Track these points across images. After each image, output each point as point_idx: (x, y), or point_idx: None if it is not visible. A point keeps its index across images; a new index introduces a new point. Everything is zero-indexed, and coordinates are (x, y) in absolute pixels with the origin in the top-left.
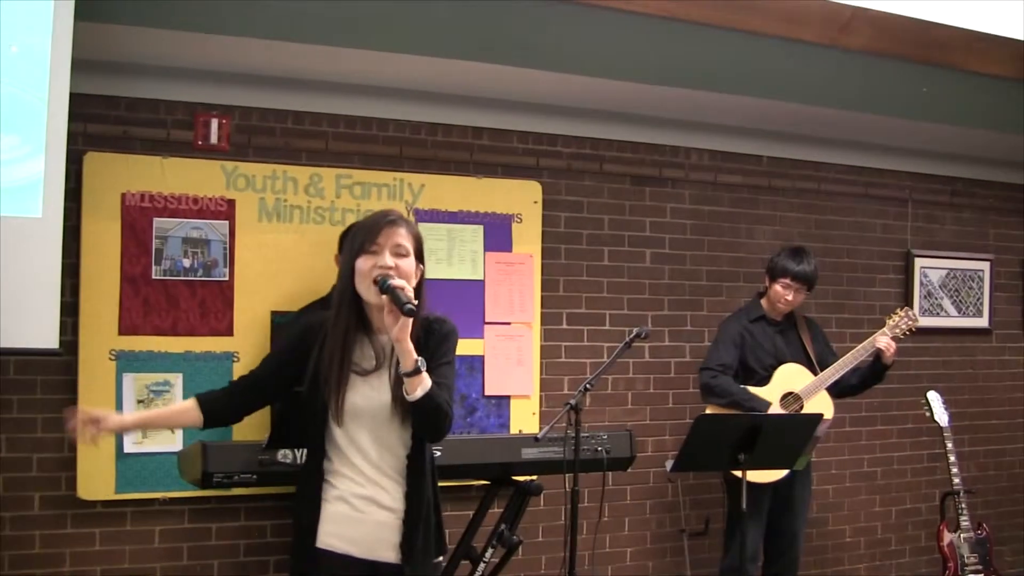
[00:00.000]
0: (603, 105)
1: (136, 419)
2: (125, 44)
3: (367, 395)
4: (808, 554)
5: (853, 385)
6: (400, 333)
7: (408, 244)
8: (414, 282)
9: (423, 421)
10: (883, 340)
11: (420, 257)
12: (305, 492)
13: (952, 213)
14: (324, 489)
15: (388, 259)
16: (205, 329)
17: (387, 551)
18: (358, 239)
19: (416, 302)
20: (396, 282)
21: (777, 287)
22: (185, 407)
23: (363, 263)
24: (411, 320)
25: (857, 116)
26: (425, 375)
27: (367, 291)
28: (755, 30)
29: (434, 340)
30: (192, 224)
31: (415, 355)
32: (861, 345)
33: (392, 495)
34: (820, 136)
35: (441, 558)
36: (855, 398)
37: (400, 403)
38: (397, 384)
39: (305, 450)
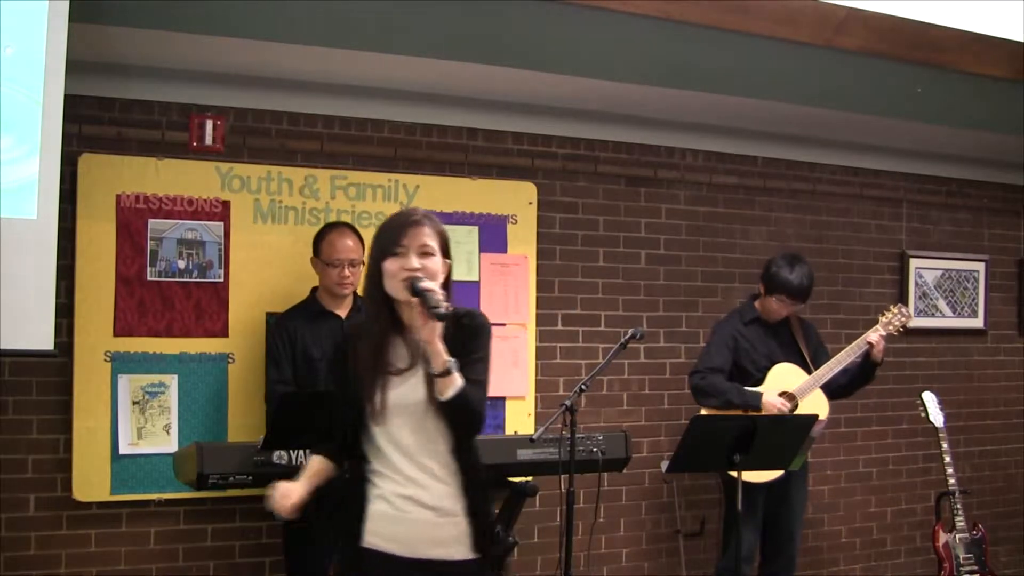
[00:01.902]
0: (598, 106)
1: (307, 489)
2: (120, 45)
3: (404, 393)
4: (804, 555)
5: (843, 385)
6: (429, 335)
7: (434, 243)
8: (441, 279)
9: (455, 421)
10: (874, 335)
11: (446, 253)
12: (350, 493)
13: (947, 214)
14: (367, 490)
15: (415, 261)
16: (200, 330)
17: (430, 548)
18: (384, 241)
19: (447, 305)
20: (426, 284)
21: (772, 301)
22: (323, 466)
23: (391, 265)
24: (438, 322)
25: (852, 117)
26: (456, 375)
27: (397, 291)
28: (749, 31)
29: (465, 335)
30: (187, 225)
31: (445, 356)
32: (855, 343)
33: (432, 493)
34: (815, 137)
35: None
36: (849, 399)
37: (437, 400)
38: (432, 381)
39: (301, 451)
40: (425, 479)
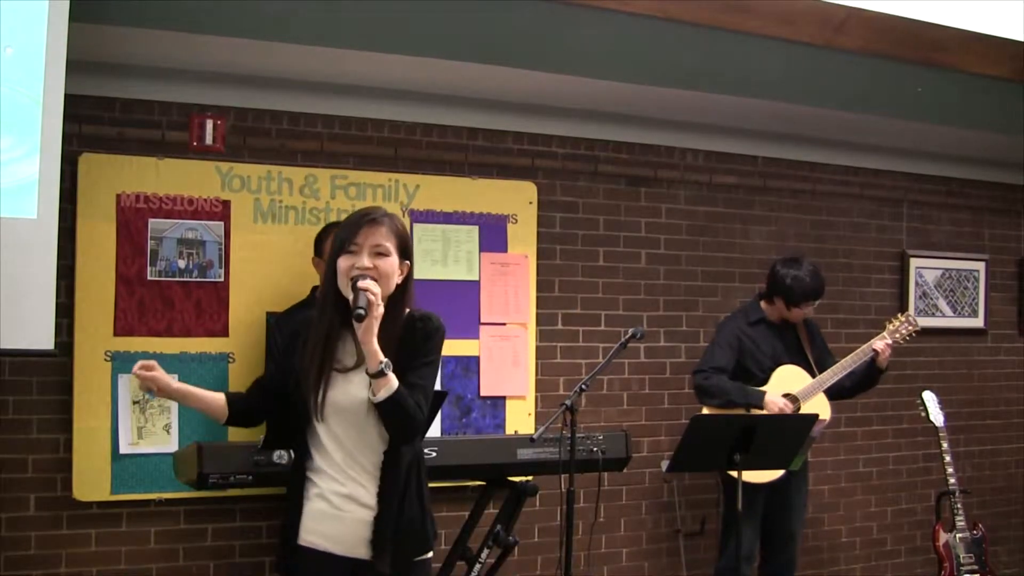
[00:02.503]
0: (598, 106)
1: (178, 387)
2: (120, 45)
3: (346, 392)
4: (804, 554)
5: (847, 388)
6: (364, 335)
7: (389, 243)
8: (396, 280)
9: (388, 423)
10: (880, 343)
11: (405, 254)
12: (290, 490)
13: (947, 213)
14: (306, 487)
15: (366, 260)
16: (200, 330)
17: (366, 548)
18: (339, 238)
19: (363, 308)
20: (363, 283)
21: (800, 311)
22: (216, 396)
23: (343, 263)
24: (374, 321)
25: (852, 116)
26: (391, 377)
27: (346, 290)
28: (750, 30)
29: (416, 338)
30: (187, 225)
31: (380, 356)
32: (860, 348)
33: (371, 492)
34: (815, 136)
35: (428, 555)
36: (850, 399)
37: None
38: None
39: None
40: (362, 476)
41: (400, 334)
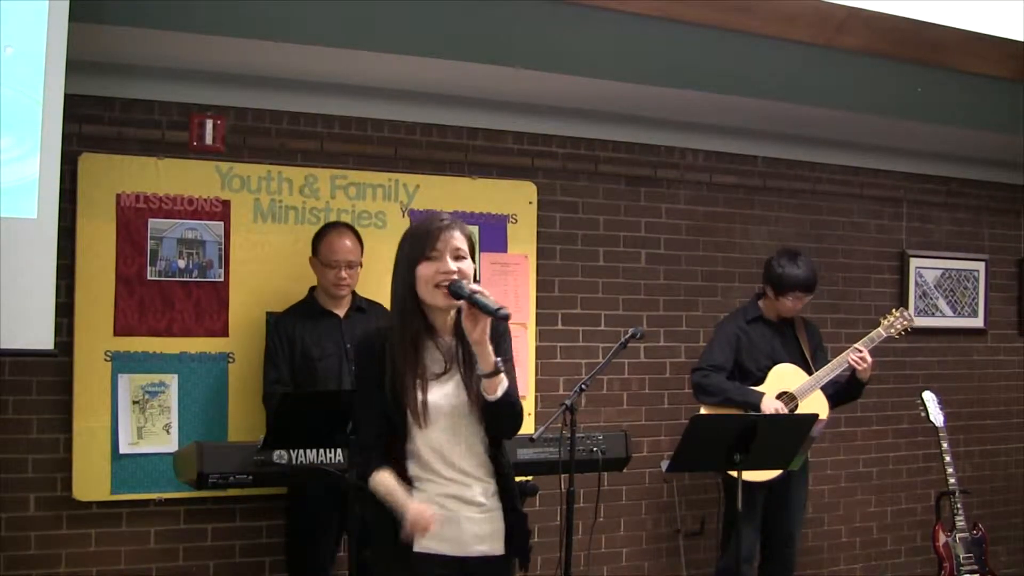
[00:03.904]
0: (598, 105)
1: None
2: (120, 45)
3: (443, 397)
4: (804, 554)
5: (830, 395)
6: (481, 336)
7: (464, 246)
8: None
9: (501, 420)
10: (853, 356)
11: (473, 256)
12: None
13: (947, 213)
14: (412, 494)
15: (451, 264)
16: (200, 330)
17: (479, 545)
18: (416, 245)
19: (502, 307)
20: (474, 287)
21: (787, 301)
22: (388, 475)
23: (425, 269)
24: (488, 322)
25: (852, 116)
26: (503, 375)
27: (432, 296)
28: (750, 30)
29: (497, 338)
30: (187, 225)
31: (494, 356)
32: (844, 354)
33: (475, 491)
34: (815, 136)
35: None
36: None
37: (476, 403)
38: (471, 384)
39: (301, 451)
40: (464, 478)
41: None
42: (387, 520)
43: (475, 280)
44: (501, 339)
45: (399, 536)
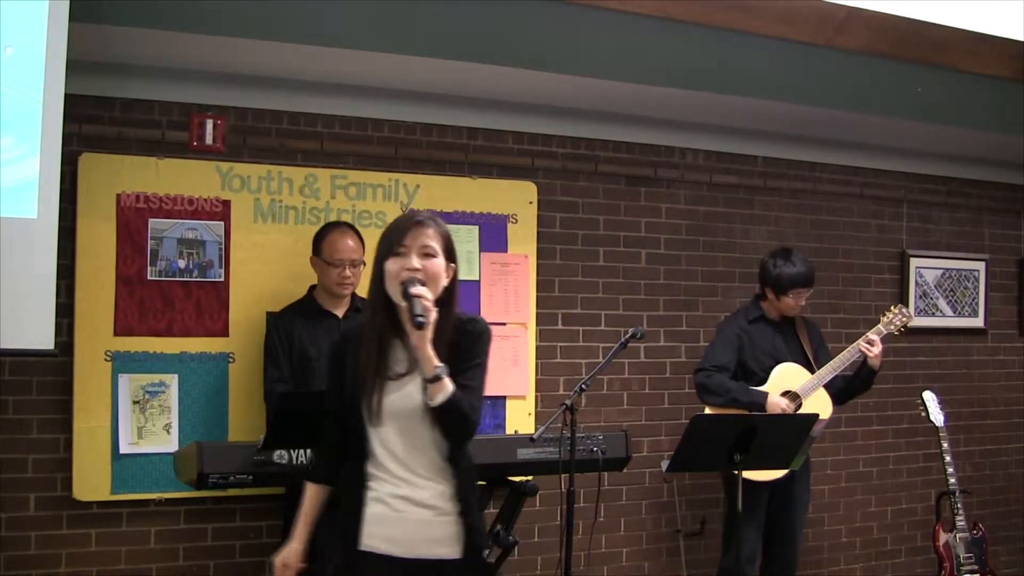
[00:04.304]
0: (598, 105)
1: (301, 538)
2: (120, 45)
3: (400, 398)
4: (804, 554)
5: (841, 389)
6: (418, 341)
7: (436, 244)
8: (444, 282)
9: (445, 426)
10: (874, 335)
11: (451, 256)
12: (346, 496)
13: (947, 213)
14: (364, 492)
15: (415, 261)
16: (200, 330)
17: (428, 548)
18: (387, 241)
19: (423, 316)
20: (415, 289)
21: (788, 299)
22: (315, 493)
23: (392, 265)
24: (428, 327)
25: (852, 116)
26: (447, 381)
27: (395, 294)
28: (750, 30)
29: (466, 341)
30: (187, 225)
31: (435, 361)
32: (855, 343)
33: (427, 492)
34: (815, 136)
35: (488, 551)
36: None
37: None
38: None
39: (301, 450)
40: (418, 480)
41: (450, 337)
42: (337, 518)
43: (455, 283)
44: (475, 343)
45: (350, 535)
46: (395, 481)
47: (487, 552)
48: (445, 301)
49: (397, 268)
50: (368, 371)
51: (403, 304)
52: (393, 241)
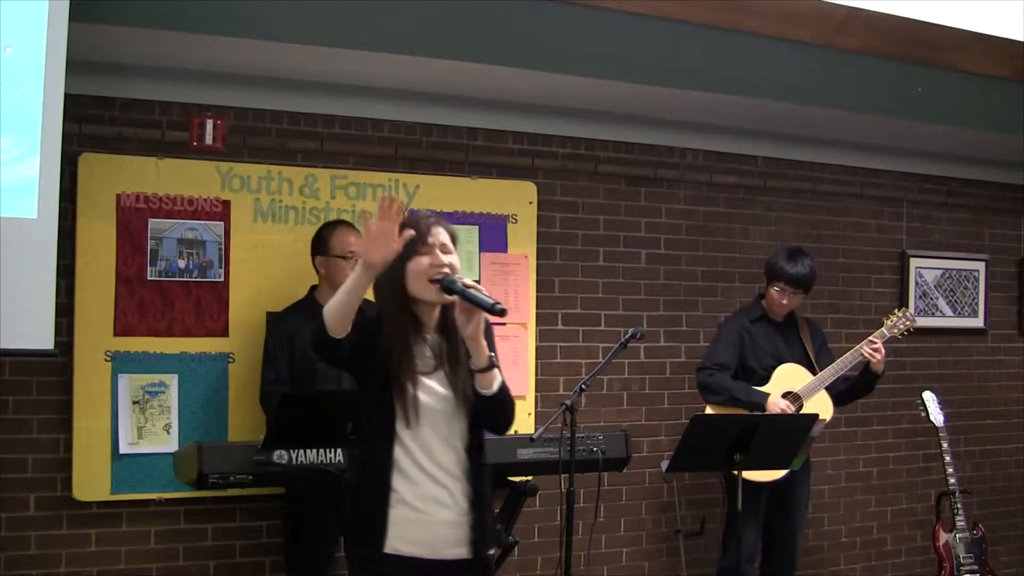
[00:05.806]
0: (598, 105)
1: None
2: (120, 45)
3: (429, 395)
4: (804, 554)
5: (842, 391)
6: (475, 331)
7: (449, 242)
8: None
9: (497, 414)
10: (867, 349)
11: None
12: (363, 498)
13: (947, 213)
14: (388, 495)
15: (442, 257)
16: (200, 330)
17: (451, 548)
18: (406, 240)
19: (500, 303)
20: (467, 281)
21: (772, 291)
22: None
23: (417, 264)
24: (482, 316)
25: (852, 116)
26: (497, 369)
27: (424, 291)
28: (749, 30)
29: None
30: (187, 225)
31: (488, 351)
32: (858, 346)
33: (452, 492)
34: (815, 136)
35: (494, 551)
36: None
37: (464, 400)
38: (457, 381)
39: (301, 451)
40: (446, 478)
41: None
42: (359, 521)
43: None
44: (488, 335)
45: (370, 537)
46: (424, 480)
47: (492, 552)
48: None
49: (424, 266)
50: (403, 370)
51: (438, 298)
52: (415, 240)
